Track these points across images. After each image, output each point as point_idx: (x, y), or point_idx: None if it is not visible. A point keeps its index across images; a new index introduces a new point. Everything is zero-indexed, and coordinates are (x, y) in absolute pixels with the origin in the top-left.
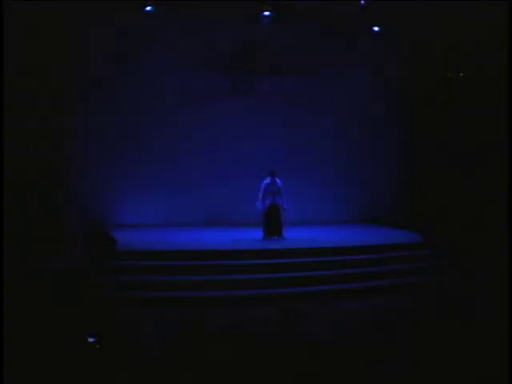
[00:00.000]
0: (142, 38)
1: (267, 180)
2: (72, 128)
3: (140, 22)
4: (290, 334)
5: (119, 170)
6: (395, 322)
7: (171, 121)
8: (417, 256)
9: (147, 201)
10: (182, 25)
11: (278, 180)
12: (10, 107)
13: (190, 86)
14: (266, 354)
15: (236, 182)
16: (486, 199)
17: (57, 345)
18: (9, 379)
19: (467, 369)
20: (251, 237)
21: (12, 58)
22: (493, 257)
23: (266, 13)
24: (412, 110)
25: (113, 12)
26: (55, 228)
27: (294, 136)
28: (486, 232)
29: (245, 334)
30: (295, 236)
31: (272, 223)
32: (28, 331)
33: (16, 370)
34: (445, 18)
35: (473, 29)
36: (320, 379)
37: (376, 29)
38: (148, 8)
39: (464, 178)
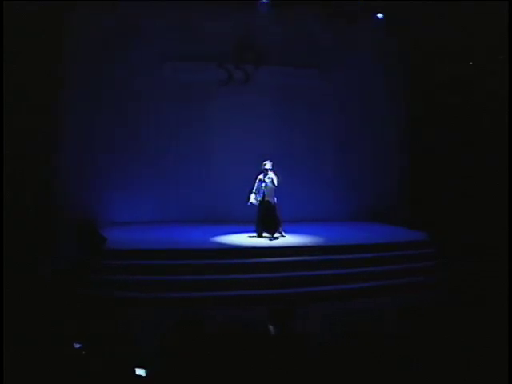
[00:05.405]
0: (137, 30)
1: (261, 175)
2: (66, 126)
3: (134, 13)
4: (289, 335)
5: (115, 167)
6: (396, 321)
7: (167, 115)
8: (418, 254)
9: (142, 198)
10: (178, 16)
11: (271, 174)
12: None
13: (186, 78)
14: (264, 355)
15: (234, 178)
16: (488, 198)
17: (53, 345)
18: (8, 380)
19: (467, 369)
20: (249, 234)
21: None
22: (493, 256)
23: (264, 0)
24: (414, 107)
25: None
26: (48, 228)
27: (293, 130)
28: (486, 231)
29: (243, 333)
30: (293, 234)
31: (264, 220)
32: (26, 331)
33: (14, 371)
34: (444, 14)
35: (473, 26)
36: (319, 379)
37: (380, 15)
38: None
39: (465, 176)
